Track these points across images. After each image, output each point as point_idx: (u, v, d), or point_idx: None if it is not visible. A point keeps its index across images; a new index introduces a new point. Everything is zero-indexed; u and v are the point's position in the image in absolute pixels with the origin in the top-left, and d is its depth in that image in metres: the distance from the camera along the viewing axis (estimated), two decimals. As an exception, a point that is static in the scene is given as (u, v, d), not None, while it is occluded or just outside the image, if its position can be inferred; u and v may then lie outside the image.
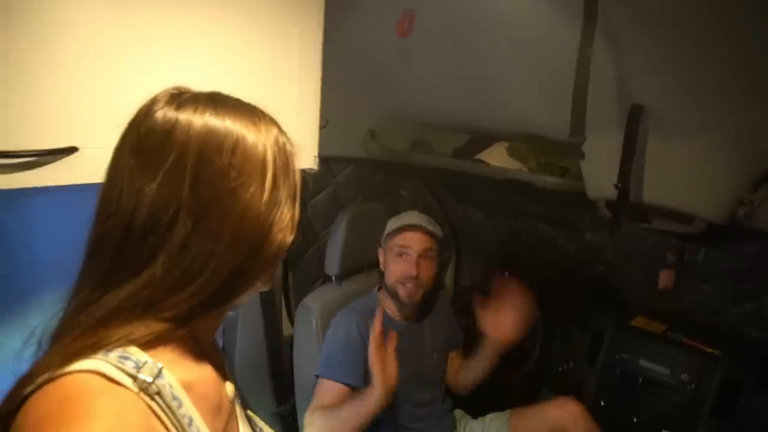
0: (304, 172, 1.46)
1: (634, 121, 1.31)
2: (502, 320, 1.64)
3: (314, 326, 1.76)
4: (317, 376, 1.62)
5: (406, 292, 1.71)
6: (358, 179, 2.08)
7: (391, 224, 1.81)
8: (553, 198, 1.99)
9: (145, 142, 0.59)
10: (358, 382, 1.59)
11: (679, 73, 1.22)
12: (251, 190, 0.60)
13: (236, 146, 0.60)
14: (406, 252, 1.73)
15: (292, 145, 0.68)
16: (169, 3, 1.01)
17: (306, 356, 1.80)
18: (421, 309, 1.83)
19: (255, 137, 0.62)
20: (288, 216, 0.65)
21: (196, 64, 1.04)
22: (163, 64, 1.01)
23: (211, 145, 0.59)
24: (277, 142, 0.64)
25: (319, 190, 1.96)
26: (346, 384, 1.57)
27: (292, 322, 1.91)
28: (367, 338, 1.63)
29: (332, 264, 1.87)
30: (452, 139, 2.08)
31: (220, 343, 1.70)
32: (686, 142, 1.33)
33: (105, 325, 0.56)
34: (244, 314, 1.77)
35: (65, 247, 0.75)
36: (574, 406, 1.74)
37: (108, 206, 0.59)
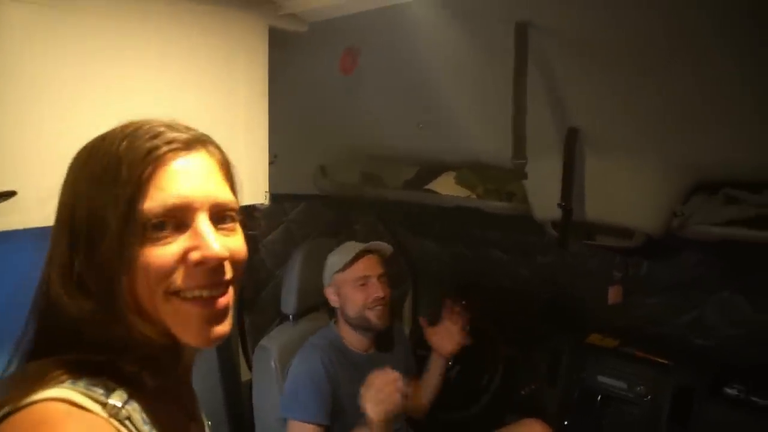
0: (254, 207, 1.46)
1: (571, 144, 1.38)
2: (445, 337, 1.89)
3: (273, 368, 1.71)
4: (285, 419, 1.58)
5: (377, 314, 1.72)
6: (311, 216, 2.08)
7: (338, 258, 1.80)
8: (504, 223, 2.05)
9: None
10: (327, 420, 1.56)
11: (608, 97, 1.30)
12: None
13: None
14: (367, 280, 1.74)
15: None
16: (112, 43, 1.01)
17: (266, 400, 1.75)
18: (383, 336, 1.82)
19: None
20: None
21: (140, 101, 1.04)
22: (107, 105, 1.00)
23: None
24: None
25: (271, 228, 1.95)
26: (317, 424, 1.55)
27: (249, 365, 1.86)
28: (332, 372, 1.62)
29: (288, 303, 1.84)
30: (402, 172, 2.13)
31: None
32: (621, 160, 1.41)
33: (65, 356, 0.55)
34: (199, 360, 1.71)
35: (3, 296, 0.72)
36: (540, 427, 1.76)
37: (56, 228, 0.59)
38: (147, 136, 0.57)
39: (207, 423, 0.74)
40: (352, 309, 1.74)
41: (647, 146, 1.36)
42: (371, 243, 1.81)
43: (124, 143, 0.56)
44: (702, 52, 1.07)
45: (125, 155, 0.56)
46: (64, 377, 0.54)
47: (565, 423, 2.06)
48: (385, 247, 1.83)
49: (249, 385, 1.83)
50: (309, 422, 1.54)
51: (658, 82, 1.20)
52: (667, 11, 1.03)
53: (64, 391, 0.53)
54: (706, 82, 1.13)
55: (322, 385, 1.59)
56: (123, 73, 1.02)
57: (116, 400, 0.54)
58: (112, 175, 0.55)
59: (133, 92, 1.04)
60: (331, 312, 1.86)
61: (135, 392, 0.58)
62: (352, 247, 1.80)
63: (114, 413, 0.54)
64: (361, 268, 1.76)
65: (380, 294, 1.72)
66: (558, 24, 1.17)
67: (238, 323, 1.88)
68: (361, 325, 1.74)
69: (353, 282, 1.75)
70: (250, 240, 1.89)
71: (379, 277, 1.75)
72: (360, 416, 1.65)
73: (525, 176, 1.26)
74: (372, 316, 1.72)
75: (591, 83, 1.28)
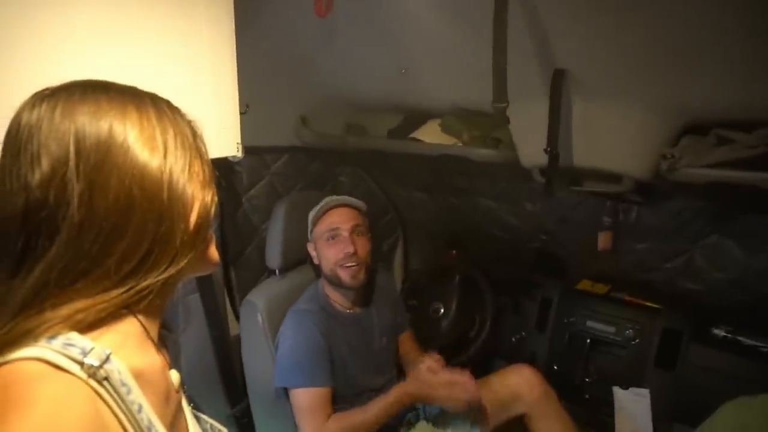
0: (228, 161, 1.41)
1: (557, 86, 1.32)
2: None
3: (260, 321, 1.71)
4: (286, 387, 1.59)
5: (349, 273, 1.67)
6: (294, 168, 2.03)
7: (313, 213, 1.77)
8: (491, 171, 2.01)
9: (18, 133, 0.58)
10: (333, 382, 1.58)
11: (595, 36, 1.23)
12: (142, 152, 0.60)
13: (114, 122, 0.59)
14: (337, 233, 1.69)
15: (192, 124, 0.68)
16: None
17: (255, 353, 1.76)
18: (366, 292, 1.80)
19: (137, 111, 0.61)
20: (199, 174, 0.65)
21: (96, 48, 0.97)
22: (64, 56, 0.94)
23: (92, 119, 0.58)
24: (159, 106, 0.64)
25: (254, 182, 1.90)
26: (327, 387, 1.56)
27: (238, 320, 1.86)
28: (327, 335, 1.61)
29: (273, 257, 1.82)
30: (386, 121, 2.06)
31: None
32: (608, 102, 1.35)
33: (36, 308, 0.54)
34: (187, 318, 1.70)
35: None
36: (529, 372, 1.77)
37: (2, 200, 0.57)
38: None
39: (179, 374, 0.74)
40: (326, 265, 1.70)
41: (635, 87, 1.30)
42: (341, 197, 1.76)
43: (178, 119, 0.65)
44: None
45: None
46: (41, 329, 0.53)
47: (555, 367, 2.09)
48: (354, 201, 1.76)
49: (238, 340, 1.83)
50: (320, 387, 1.55)
51: (645, 20, 1.13)
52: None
53: (39, 349, 0.52)
54: (694, 19, 1.07)
55: (322, 350, 1.59)
56: (78, 18, 0.95)
57: (93, 359, 0.53)
58: (193, 150, 0.65)
59: (89, 39, 0.97)
60: (317, 270, 1.84)
61: (118, 345, 0.59)
62: (325, 201, 1.76)
63: (92, 373, 0.53)
64: (330, 221, 1.71)
65: (350, 249, 1.65)
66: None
67: (225, 279, 1.86)
68: (334, 282, 1.70)
69: (324, 236, 1.71)
70: (232, 195, 1.86)
71: (352, 230, 1.69)
72: (350, 374, 1.67)
73: (507, 120, 1.21)
74: (343, 274, 1.67)
75: (577, 22, 1.21)
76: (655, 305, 1.99)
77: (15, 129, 0.58)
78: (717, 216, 1.74)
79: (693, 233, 1.84)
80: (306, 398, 1.54)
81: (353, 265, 1.66)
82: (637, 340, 1.94)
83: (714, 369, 1.81)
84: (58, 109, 0.57)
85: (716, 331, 1.89)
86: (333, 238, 1.69)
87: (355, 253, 1.66)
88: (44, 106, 0.58)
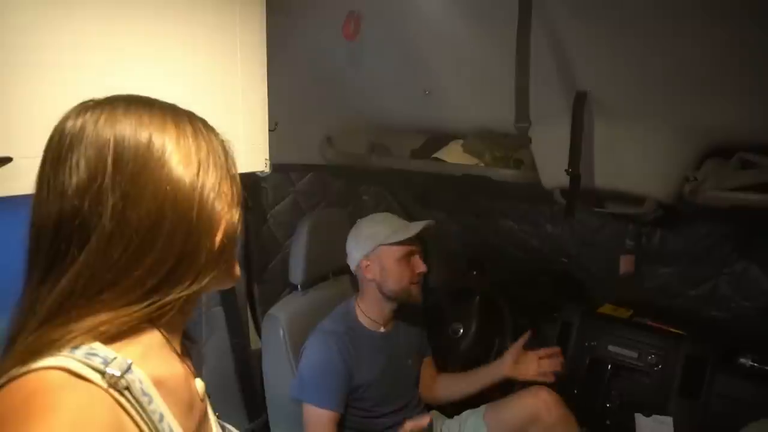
0: (256, 176, 1.45)
1: (579, 108, 1.34)
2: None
3: (282, 336, 1.73)
4: (299, 400, 1.59)
5: (418, 289, 1.75)
6: (318, 187, 2.07)
7: (384, 231, 1.73)
8: (513, 192, 2.02)
9: (60, 140, 0.60)
10: (341, 409, 1.59)
11: (617, 57, 1.25)
12: (177, 167, 0.61)
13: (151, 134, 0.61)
14: (413, 254, 1.74)
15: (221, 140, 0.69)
16: (107, 12, 1.00)
17: (275, 368, 1.77)
18: (404, 312, 1.83)
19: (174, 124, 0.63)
20: (227, 193, 0.67)
21: (135, 66, 1.03)
22: (102, 73, 1.00)
23: (127, 132, 0.60)
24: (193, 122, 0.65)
25: (279, 199, 1.94)
26: (335, 411, 1.57)
27: (260, 334, 1.88)
28: (348, 360, 1.62)
29: (296, 273, 1.84)
30: (409, 141, 2.09)
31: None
32: (630, 124, 1.37)
33: (61, 318, 0.55)
34: (209, 330, 1.73)
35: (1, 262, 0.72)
36: (546, 394, 1.74)
37: (38, 207, 0.59)
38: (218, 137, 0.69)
39: (204, 383, 0.75)
40: (396, 283, 1.70)
41: (658, 109, 1.32)
42: (427, 222, 1.75)
43: (212, 138, 0.67)
44: (713, 10, 1.02)
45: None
46: (65, 339, 0.54)
47: (575, 391, 2.06)
48: (433, 225, 1.79)
49: (259, 354, 1.85)
50: (328, 409, 1.56)
51: (668, 41, 1.15)
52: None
53: (62, 359, 0.53)
54: (717, 43, 1.08)
55: (340, 375, 1.60)
56: (117, 36, 1.01)
57: (114, 368, 0.54)
58: (223, 170, 0.66)
59: (128, 56, 1.03)
60: (354, 281, 1.85)
61: (140, 355, 0.59)
62: (400, 223, 1.77)
63: (112, 383, 0.54)
64: (409, 243, 1.73)
65: (424, 269, 1.74)
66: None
67: (248, 293, 1.89)
68: (401, 298, 1.74)
69: (400, 256, 1.71)
70: (258, 211, 1.89)
71: (420, 252, 1.76)
72: (375, 393, 1.67)
73: (529, 140, 1.23)
74: (415, 291, 1.74)
75: (598, 44, 1.24)
76: (679, 331, 1.95)
77: (57, 137, 0.60)
78: (743, 242, 1.72)
79: (718, 259, 1.82)
80: (313, 416, 1.56)
81: (419, 283, 1.75)
82: (660, 367, 1.91)
83: (740, 399, 1.77)
84: (101, 119, 0.59)
85: (743, 361, 1.85)
86: (408, 258, 1.73)
87: (425, 271, 1.75)
88: (88, 115, 0.59)
